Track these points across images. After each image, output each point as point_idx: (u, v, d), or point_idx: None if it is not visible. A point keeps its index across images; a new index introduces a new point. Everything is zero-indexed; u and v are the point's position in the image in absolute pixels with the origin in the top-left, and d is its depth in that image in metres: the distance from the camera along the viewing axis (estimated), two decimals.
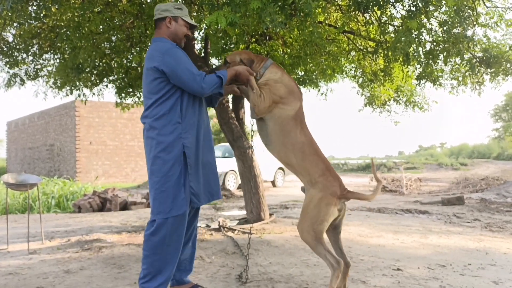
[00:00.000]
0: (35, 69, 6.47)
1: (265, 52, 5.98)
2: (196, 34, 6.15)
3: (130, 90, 6.95)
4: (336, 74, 7.05)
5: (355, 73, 7.36)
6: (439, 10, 4.65)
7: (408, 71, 6.48)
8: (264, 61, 3.44)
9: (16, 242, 5.77)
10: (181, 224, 3.18)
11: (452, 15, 4.41)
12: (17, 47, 5.93)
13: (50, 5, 4.46)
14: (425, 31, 4.82)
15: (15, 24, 5.60)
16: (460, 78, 6.12)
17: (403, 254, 4.86)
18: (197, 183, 3.25)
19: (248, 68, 3.32)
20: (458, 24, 4.65)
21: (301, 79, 7.26)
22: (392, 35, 5.15)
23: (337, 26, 5.75)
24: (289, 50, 6.27)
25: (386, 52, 5.26)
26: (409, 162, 33.15)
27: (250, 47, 5.79)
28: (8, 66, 6.06)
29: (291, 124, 3.28)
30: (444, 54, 5.04)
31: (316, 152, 3.27)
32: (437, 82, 6.11)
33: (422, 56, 5.22)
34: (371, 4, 4.30)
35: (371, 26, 5.58)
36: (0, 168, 32.68)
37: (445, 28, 4.81)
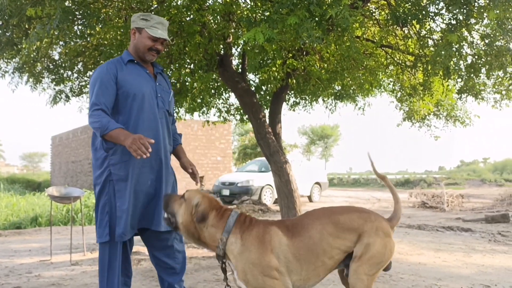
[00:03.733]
0: (79, 86, 6.69)
1: (302, 67, 6.00)
2: (233, 50, 6.24)
3: None
4: (374, 89, 6.98)
5: (394, 88, 7.26)
6: (480, 23, 4.56)
7: (448, 85, 6.35)
8: (225, 217, 2.52)
9: (59, 254, 5.95)
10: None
11: (494, 28, 4.30)
12: (63, 65, 6.16)
13: (94, 25, 4.63)
14: (466, 44, 4.72)
15: (61, 43, 5.82)
16: (504, 92, 5.94)
17: (445, 273, 4.72)
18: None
19: (144, 146, 2.59)
20: (501, 37, 4.53)
21: (338, 94, 7.22)
22: (432, 48, 5.06)
23: (375, 41, 5.71)
24: (326, 65, 6.26)
25: (425, 66, 5.17)
26: (450, 178, 32.25)
27: (287, 62, 5.82)
28: (54, 83, 6.29)
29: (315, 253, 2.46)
30: (487, 68, 4.91)
31: (342, 216, 2.54)
32: (479, 96, 5.96)
33: (463, 70, 5.10)
34: (409, 18, 4.26)
35: (410, 40, 5.51)
36: (44, 180, 33.86)
37: (487, 41, 4.70)
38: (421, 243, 6.70)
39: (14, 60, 5.66)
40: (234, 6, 4.76)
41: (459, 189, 22.77)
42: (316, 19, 3.85)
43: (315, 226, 2.48)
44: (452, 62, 4.45)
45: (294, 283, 2.43)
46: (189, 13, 5.14)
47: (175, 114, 3.33)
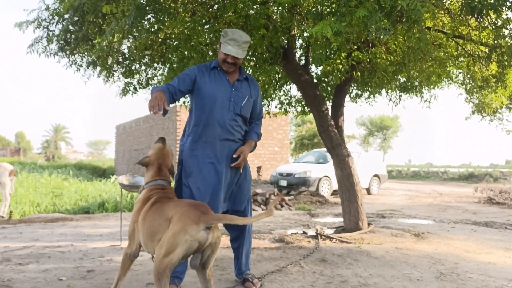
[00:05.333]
0: (146, 78, 6.94)
1: (368, 60, 5.89)
2: (296, 42, 6.22)
3: None
4: (441, 81, 6.73)
5: (464, 80, 6.96)
6: None
7: None
8: (154, 178, 3.33)
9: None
10: None
11: None
12: (132, 58, 6.41)
13: (165, 20, 4.78)
14: None
15: (129, 37, 6.06)
16: None
17: None
18: None
19: (160, 101, 3.07)
20: None
21: (403, 86, 7.03)
22: (508, 39, 4.81)
23: (445, 31, 5.49)
24: (392, 57, 6.11)
25: (500, 57, 4.92)
26: None
27: (353, 54, 5.73)
28: (124, 75, 6.57)
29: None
30: None
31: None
32: None
33: None
34: (485, 7, 4.06)
35: (484, 30, 5.25)
36: (109, 167, 35.46)
37: None
38: (490, 241, 6.42)
39: (88, 54, 5.96)
40: None
41: None
42: (385, 11, 3.76)
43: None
44: None
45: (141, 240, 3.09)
46: (254, 6, 5.18)
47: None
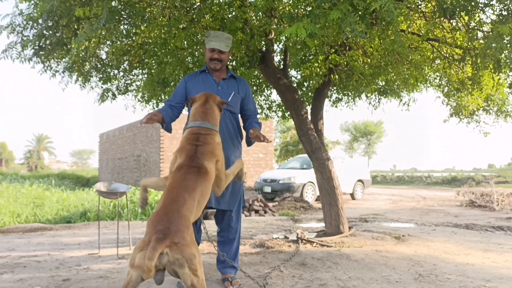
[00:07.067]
0: (125, 84, 6.87)
1: (345, 63, 5.91)
2: (275, 46, 6.22)
3: None
4: (419, 84, 6.78)
5: (440, 82, 7.03)
6: None
7: (499, 79, 6.07)
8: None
9: (106, 247, 6.12)
10: None
11: None
12: (110, 64, 6.33)
13: (139, 24, 4.74)
14: None
15: (108, 42, 5.99)
16: None
17: (494, 275, 4.53)
18: None
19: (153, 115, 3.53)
20: None
21: (381, 89, 7.07)
22: (481, 41, 4.86)
23: (421, 34, 5.54)
24: (369, 60, 6.14)
25: (474, 59, 4.98)
26: (500, 176, 31.13)
27: (330, 57, 5.74)
28: (101, 81, 6.49)
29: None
30: None
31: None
32: None
33: None
34: (458, 9, 4.10)
35: (458, 32, 5.31)
36: (93, 177, 35.05)
37: None
38: (469, 243, 6.46)
39: (64, 60, 5.87)
40: (276, 2, 4.74)
41: (510, 187, 21.82)
42: (359, 13, 3.77)
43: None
44: (503, 55, 4.27)
45: None
46: (231, 10, 5.17)
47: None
